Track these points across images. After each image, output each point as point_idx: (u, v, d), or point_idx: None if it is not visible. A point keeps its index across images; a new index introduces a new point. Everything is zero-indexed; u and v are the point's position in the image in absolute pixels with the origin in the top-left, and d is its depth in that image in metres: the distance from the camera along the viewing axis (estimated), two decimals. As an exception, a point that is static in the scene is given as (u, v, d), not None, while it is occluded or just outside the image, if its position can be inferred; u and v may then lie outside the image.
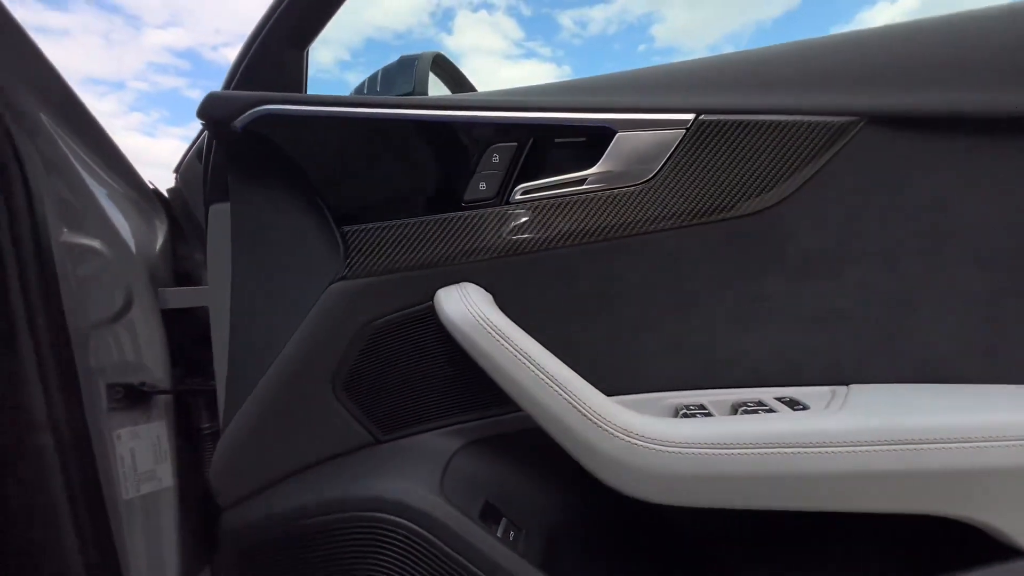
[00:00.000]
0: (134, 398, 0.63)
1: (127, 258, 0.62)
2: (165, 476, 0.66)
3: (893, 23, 0.50)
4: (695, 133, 0.46)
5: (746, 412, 0.46)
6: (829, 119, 0.45)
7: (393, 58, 0.65)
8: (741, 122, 0.46)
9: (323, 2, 0.53)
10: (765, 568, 0.52)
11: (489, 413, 0.52)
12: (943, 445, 0.37)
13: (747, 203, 0.47)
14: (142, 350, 0.64)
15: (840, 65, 0.46)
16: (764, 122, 0.45)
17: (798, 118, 0.45)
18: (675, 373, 0.51)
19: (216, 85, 0.54)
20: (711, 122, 0.46)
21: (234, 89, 0.53)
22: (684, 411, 0.47)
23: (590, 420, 0.41)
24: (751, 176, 0.46)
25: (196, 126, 0.68)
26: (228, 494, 0.54)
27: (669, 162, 0.47)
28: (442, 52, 0.67)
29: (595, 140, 0.48)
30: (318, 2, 0.53)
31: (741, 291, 0.48)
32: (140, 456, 0.63)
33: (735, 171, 0.46)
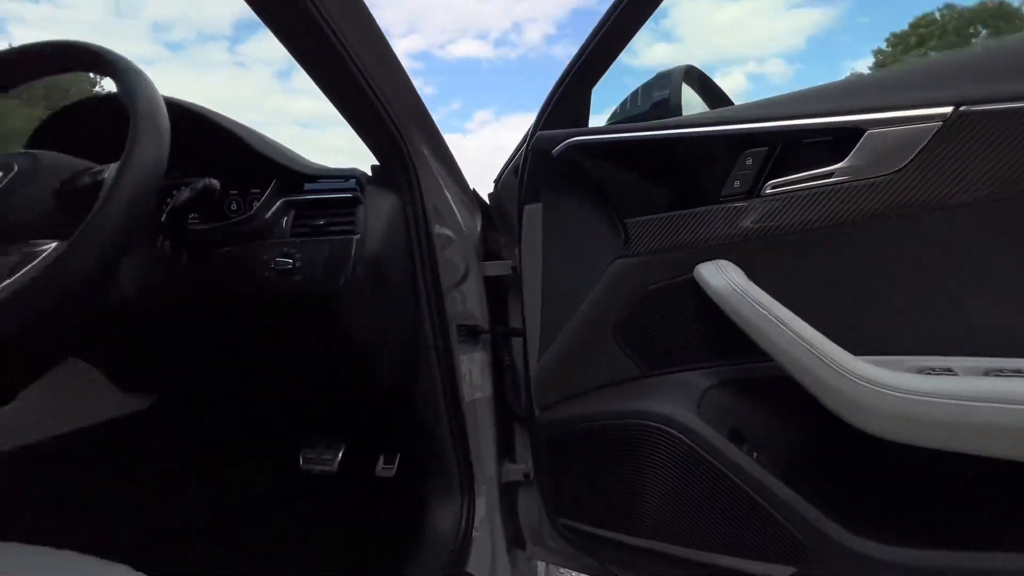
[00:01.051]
0: (470, 335, 0.95)
1: (466, 242, 0.93)
2: (487, 388, 0.98)
3: None
4: (953, 124, 0.52)
5: (998, 376, 0.51)
6: None
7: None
8: (1009, 110, 0.49)
9: (607, 51, 0.72)
10: (980, 513, 0.57)
11: (736, 361, 0.67)
12: None
13: (1013, 187, 0.50)
14: (474, 304, 0.95)
15: None
16: None
17: None
18: (920, 340, 0.57)
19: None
20: (974, 113, 0.51)
21: (543, 123, 0.77)
22: (929, 371, 0.55)
23: (843, 374, 0.53)
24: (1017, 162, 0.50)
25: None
26: (543, 400, 0.81)
27: (922, 153, 0.53)
28: (693, 65, 0.80)
29: (843, 140, 0.57)
30: (603, 51, 0.72)
31: (1000, 269, 0.52)
32: (474, 374, 0.96)
33: (998, 159, 0.50)
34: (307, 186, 0.78)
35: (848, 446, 0.60)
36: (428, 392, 0.89)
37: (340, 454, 1.11)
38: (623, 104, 0.82)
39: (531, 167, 0.78)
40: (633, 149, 0.68)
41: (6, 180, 0.54)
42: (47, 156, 0.57)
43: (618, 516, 0.74)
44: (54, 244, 0.56)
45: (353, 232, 0.72)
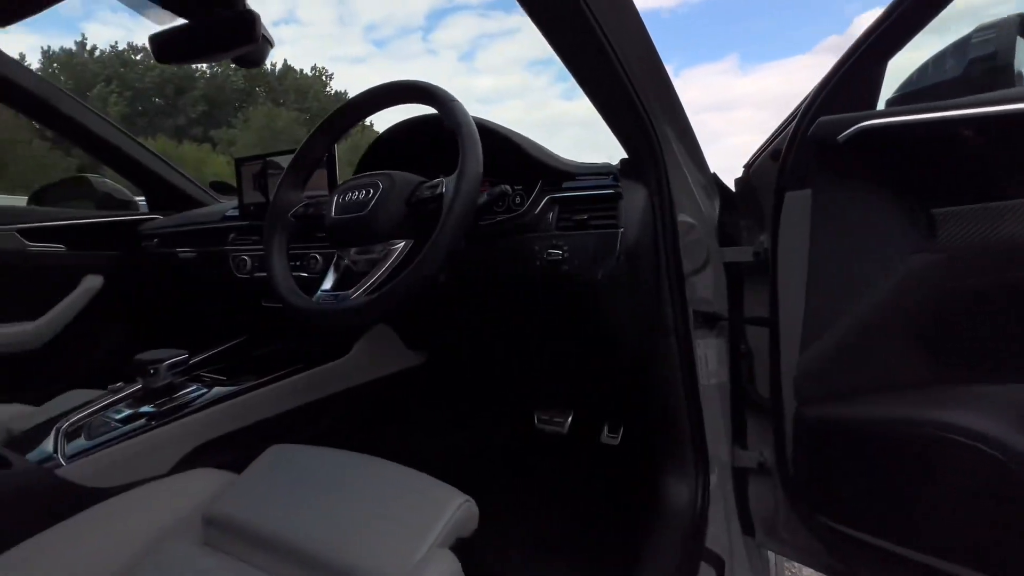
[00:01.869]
0: (708, 321, 0.96)
1: (706, 228, 0.93)
2: (722, 375, 0.98)
3: None
4: None
5: None
6: None
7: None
8: None
9: (912, 15, 0.63)
10: None
11: None
12: None
13: None
14: (713, 290, 0.95)
15: None
16: None
17: None
18: None
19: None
20: None
21: (819, 104, 0.71)
22: None
23: None
24: None
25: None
26: (805, 394, 0.79)
27: None
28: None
29: None
30: (906, 16, 0.63)
31: None
32: (710, 360, 0.96)
33: None
34: (565, 184, 0.86)
35: None
36: (666, 374, 0.93)
37: (569, 419, 1.24)
38: (922, 69, 0.71)
39: (805, 153, 0.73)
40: (949, 131, 0.59)
41: (376, 196, 0.73)
42: (397, 175, 0.75)
43: (893, 525, 0.69)
44: (403, 243, 0.74)
45: (616, 226, 0.78)
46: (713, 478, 0.94)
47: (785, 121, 0.81)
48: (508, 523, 1.06)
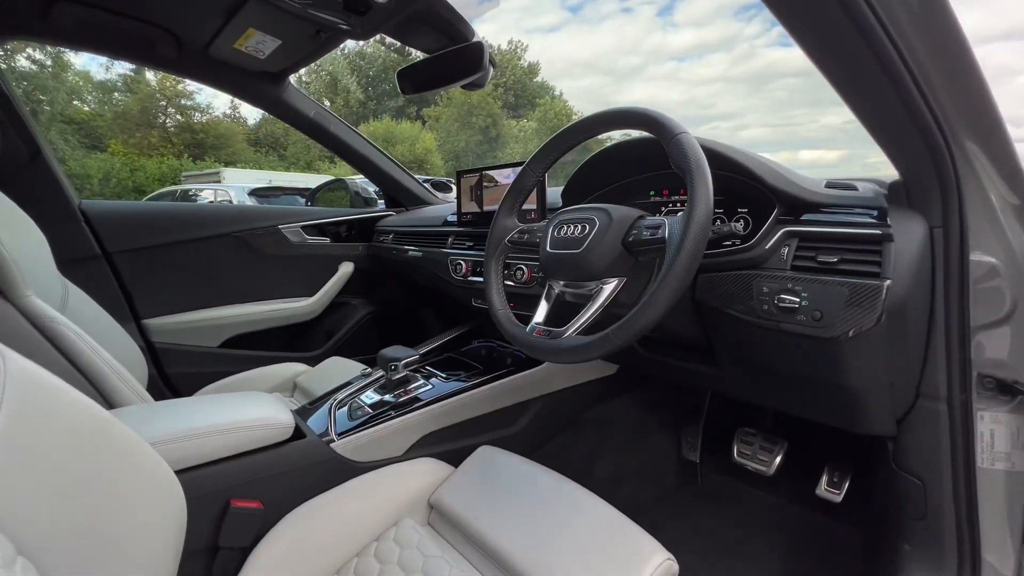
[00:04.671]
0: (1001, 389, 0.74)
1: (1015, 269, 0.70)
2: (1018, 461, 0.75)
3: None
4: None
5: None
6: None
7: None
8: None
9: None
10: None
11: None
12: None
13: None
14: (1014, 350, 0.72)
15: None
16: None
17: None
18: None
19: None
20: None
21: None
22: None
23: None
24: None
25: None
26: None
27: None
28: None
29: None
30: None
31: None
32: (998, 438, 0.75)
33: None
34: (806, 216, 0.73)
35: None
36: (928, 447, 0.75)
37: (779, 457, 1.11)
38: None
39: None
40: None
41: (592, 234, 0.72)
42: (614, 212, 0.72)
43: None
44: (615, 281, 0.72)
45: (881, 276, 0.63)
46: None
47: None
48: None
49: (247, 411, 0.84)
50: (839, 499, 1.02)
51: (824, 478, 1.05)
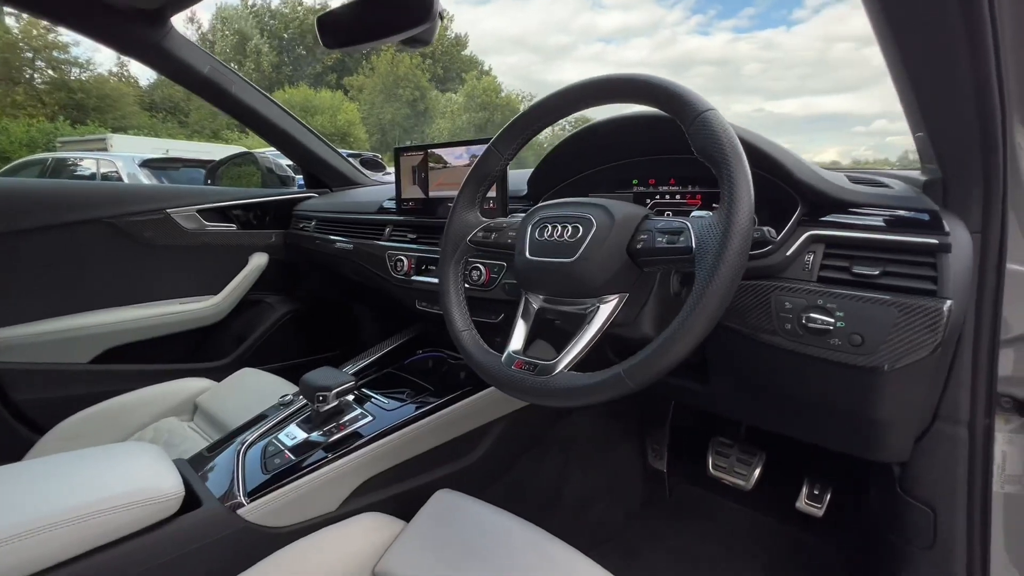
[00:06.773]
0: (1019, 410, 0.68)
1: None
2: (1029, 484, 0.70)
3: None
4: None
5: None
6: None
7: None
8: None
9: None
10: None
11: None
12: None
13: None
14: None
15: None
16: None
17: None
18: None
19: None
20: None
21: None
22: None
23: None
24: None
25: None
26: None
27: None
28: None
29: None
30: None
31: None
32: (1010, 460, 0.69)
33: None
34: (833, 215, 0.62)
35: None
36: (941, 472, 0.68)
37: (758, 470, 1.03)
38: None
39: None
40: None
41: (589, 239, 0.55)
42: (616, 209, 0.56)
43: None
44: (615, 299, 0.57)
45: (938, 294, 0.53)
46: None
47: None
48: None
49: (114, 478, 0.61)
50: (820, 513, 0.96)
51: (804, 491, 0.99)
